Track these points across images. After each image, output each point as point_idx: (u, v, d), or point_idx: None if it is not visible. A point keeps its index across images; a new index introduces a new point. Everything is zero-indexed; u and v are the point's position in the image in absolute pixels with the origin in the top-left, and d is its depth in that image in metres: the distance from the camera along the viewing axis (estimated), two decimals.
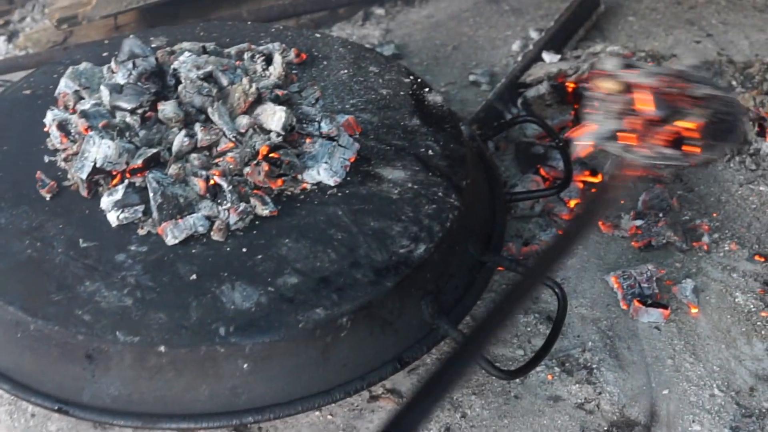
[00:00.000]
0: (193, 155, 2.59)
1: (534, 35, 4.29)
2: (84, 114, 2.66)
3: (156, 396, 2.27)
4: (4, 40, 4.21)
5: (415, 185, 2.65)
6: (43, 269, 2.38)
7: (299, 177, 2.62)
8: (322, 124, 2.71)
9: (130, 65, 2.75)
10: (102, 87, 2.74)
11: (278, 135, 2.61)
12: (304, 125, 2.71)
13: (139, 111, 2.65)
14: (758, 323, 2.87)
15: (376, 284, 2.38)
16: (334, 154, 2.66)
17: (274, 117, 2.61)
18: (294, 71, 3.04)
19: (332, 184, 2.63)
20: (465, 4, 4.61)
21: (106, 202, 2.52)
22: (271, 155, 2.56)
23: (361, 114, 2.89)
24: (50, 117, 2.76)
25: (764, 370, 2.73)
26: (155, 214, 2.48)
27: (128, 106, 2.66)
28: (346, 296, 2.34)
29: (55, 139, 2.71)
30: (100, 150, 2.54)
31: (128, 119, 2.65)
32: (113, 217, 2.49)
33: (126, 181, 2.55)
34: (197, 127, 2.62)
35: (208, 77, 2.74)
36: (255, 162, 2.56)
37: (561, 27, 4.18)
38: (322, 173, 2.63)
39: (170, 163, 2.58)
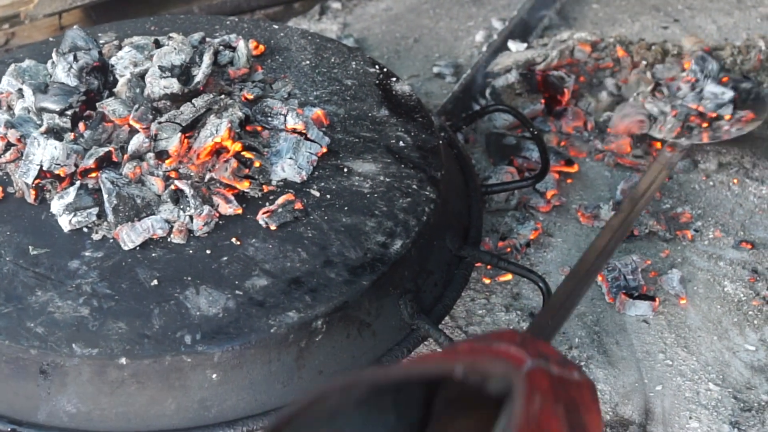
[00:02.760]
0: (149, 154, 2.41)
1: (497, 25, 4.16)
2: (10, 124, 2.47)
3: (118, 412, 2.09)
4: None
5: (387, 178, 2.50)
6: None
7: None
8: (288, 118, 2.54)
9: (71, 58, 2.56)
10: (24, 87, 2.56)
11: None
12: (269, 119, 2.55)
13: (69, 112, 2.47)
14: (750, 312, 2.74)
15: (352, 283, 2.22)
16: (299, 148, 2.50)
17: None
18: (256, 61, 2.87)
19: (298, 181, 2.46)
20: None
21: (56, 205, 2.34)
22: (242, 153, 2.40)
23: (326, 106, 2.73)
24: None
25: (759, 362, 2.61)
26: (111, 217, 2.30)
27: (56, 108, 2.47)
28: (320, 297, 2.18)
29: None
30: (45, 151, 2.36)
31: (58, 121, 2.46)
32: (65, 222, 2.31)
33: (77, 183, 2.37)
34: (154, 127, 2.43)
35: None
36: (225, 159, 2.39)
37: (525, 16, 4.05)
38: (287, 169, 2.46)
39: (125, 162, 2.40)
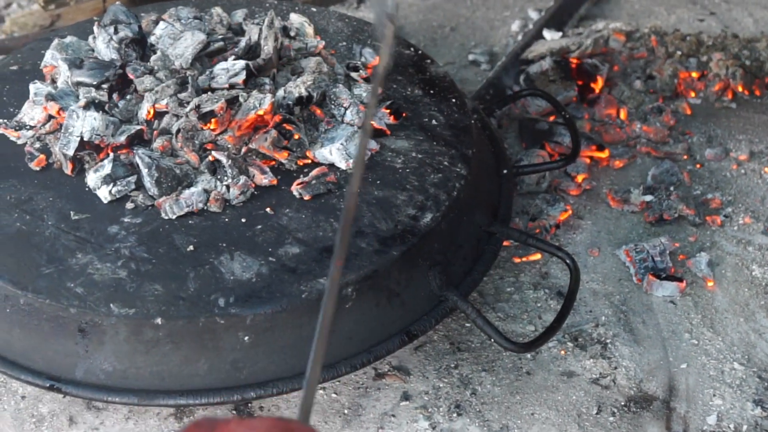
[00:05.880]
0: (184, 123, 2.47)
1: (533, 15, 4.19)
2: (51, 97, 2.54)
3: (152, 371, 2.17)
4: None
5: (419, 154, 2.55)
6: (32, 242, 2.27)
7: (310, 154, 2.50)
8: (348, 113, 2.59)
9: (111, 30, 2.64)
10: (60, 62, 2.63)
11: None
12: (332, 108, 2.60)
13: (105, 86, 2.53)
14: None
15: (382, 253, 2.28)
16: (353, 138, 2.52)
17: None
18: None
19: (343, 167, 2.49)
20: None
21: (93, 178, 2.39)
22: (282, 125, 2.46)
23: None
24: (33, 90, 2.63)
25: None
26: (154, 190, 2.35)
27: (92, 81, 2.54)
28: (351, 266, 2.23)
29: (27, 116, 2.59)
30: (85, 123, 2.43)
31: (94, 94, 2.52)
32: (105, 193, 2.37)
33: (111, 155, 2.43)
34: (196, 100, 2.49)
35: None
36: (264, 129, 2.45)
37: (561, 5, 4.08)
38: (335, 153, 2.49)
39: (155, 138, 2.46)
